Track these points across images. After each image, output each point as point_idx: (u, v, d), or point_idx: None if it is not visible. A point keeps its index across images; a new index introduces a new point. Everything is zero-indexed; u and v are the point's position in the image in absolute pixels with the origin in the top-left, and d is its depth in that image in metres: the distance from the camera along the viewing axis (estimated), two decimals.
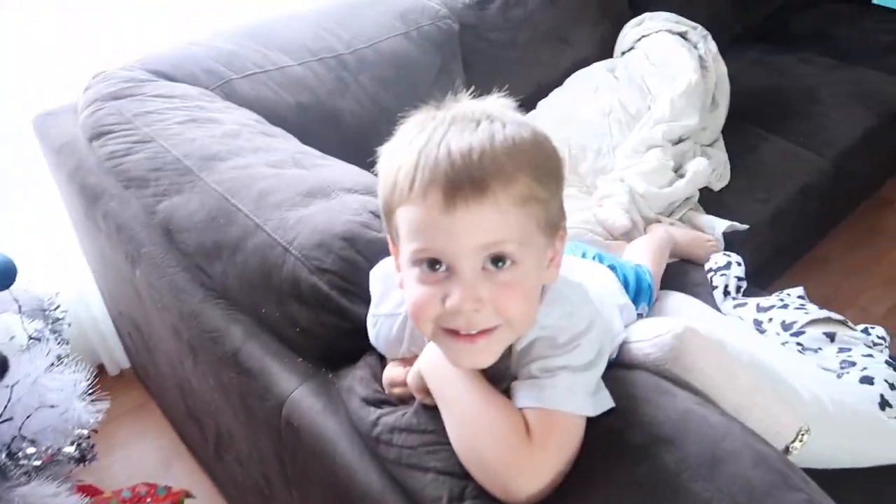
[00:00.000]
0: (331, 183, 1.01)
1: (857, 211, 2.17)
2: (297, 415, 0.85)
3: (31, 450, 1.08)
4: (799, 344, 1.13)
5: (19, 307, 1.23)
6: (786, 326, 1.16)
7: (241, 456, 1.14)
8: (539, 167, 0.63)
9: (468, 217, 0.58)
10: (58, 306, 1.41)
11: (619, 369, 0.78)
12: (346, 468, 0.78)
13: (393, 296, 0.81)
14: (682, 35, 1.71)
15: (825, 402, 0.93)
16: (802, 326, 1.15)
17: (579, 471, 0.64)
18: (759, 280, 1.42)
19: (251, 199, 0.98)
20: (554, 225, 0.66)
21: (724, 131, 1.74)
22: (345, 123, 1.47)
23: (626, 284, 1.07)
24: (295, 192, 0.98)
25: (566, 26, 1.81)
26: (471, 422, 0.67)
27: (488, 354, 0.65)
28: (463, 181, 0.58)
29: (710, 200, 1.59)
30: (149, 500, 1.42)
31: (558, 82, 1.79)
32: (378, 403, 0.78)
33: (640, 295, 1.11)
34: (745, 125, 1.78)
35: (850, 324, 1.17)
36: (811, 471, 0.70)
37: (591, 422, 0.67)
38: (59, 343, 1.34)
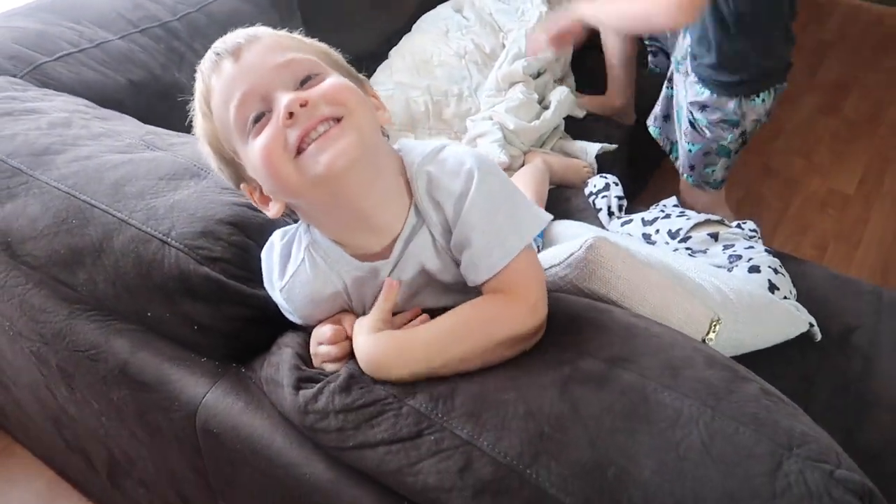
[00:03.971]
0: (195, 161, 0.89)
1: None
2: (215, 420, 0.75)
3: None
4: (688, 248, 1.18)
5: None
6: (672, 234, 1.21)
7: (145, 479, 1.01)
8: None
9: (255, 49, 0.67)
10: None
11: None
12: (287, 466, 0.71)
13: (290, 260, 0.75)
14: None
15: (726, 291, 0.98)
16: (688, 231, 1.20)
17: (550, 416, 0.61)
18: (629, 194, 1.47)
19: (105, 192, 0.85)
20: (351, 73, 0.72)
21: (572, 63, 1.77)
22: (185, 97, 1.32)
23: None
24: (157, 178, 0.87)
25: None
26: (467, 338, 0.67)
27: (348, 144, 0.64)
28: (237, 37, 0.68)
29: (574, 129, 1.61)
30: None
31: (406, 29, 1.73)
32: (301, 384, 0.70)
33: None
34: (593, 52, 1.83)
35: (726, 222, 1.24)
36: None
37: (544, 362, 0.65)
38: None
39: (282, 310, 0.77)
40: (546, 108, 1.54)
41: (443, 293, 0.73)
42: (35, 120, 0.98)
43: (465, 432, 0.61)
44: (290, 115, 0.63)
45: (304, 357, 0.75)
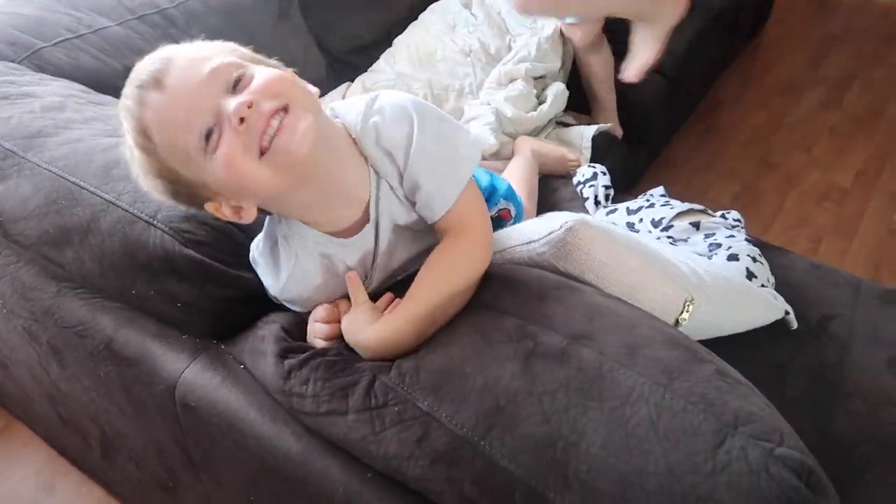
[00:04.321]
0: None
1: (696, 113, 2.33)
2: (193, 394, 0.78)
3: None
4: (669, 237, 1.20)
5: None
6: (655, 223, 1.22)
7: (134, 454, 1.04)
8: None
9: (174, 72, 0.65)
10: None
11: (519, 268, 0.78)
12: (259, 438, 0.74)
13: (281, 260, 0.78)
14: None
15: (701, 274, 0.99)
16: (670, 221, 1.21)
17: (507, 390, 0.63)
18: (624, 185, 1.49)
19: (94, 174, 0.87)
20: (260, 59, 0.72)
21: None
22: None
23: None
24: None
25: None
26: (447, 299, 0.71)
27: (306, 127, 0.66)
28: (151, 66, 0.67)
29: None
30: None
31: (408, 19, 1.74)
32: (286, 354, 0.73)
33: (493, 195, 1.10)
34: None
35: (709, 211, 1.25)
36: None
37: (508, 335, 0.67)
38: None
39: (287, 305, 0.81)
40: (542, 102, 1.55)
41: (412, 242, 0.78)
42: (29, 104, 1.01)
43: (425, 404, 0.63)
44: (241, 120, 0.64)
45: (290, 332, 0.78)
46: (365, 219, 0.76)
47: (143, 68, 0.67)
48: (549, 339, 0.66)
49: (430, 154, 0.72)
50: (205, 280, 0.81)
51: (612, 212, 1.30)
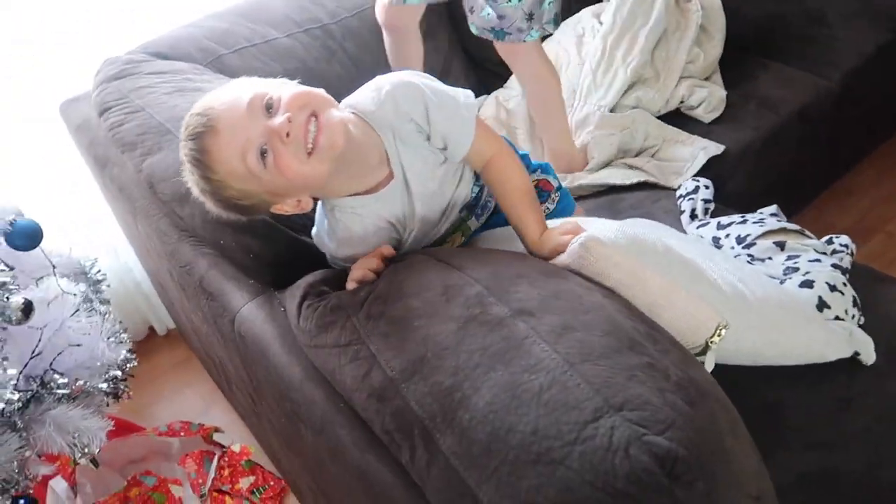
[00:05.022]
0: None
1: (891, 140, 2.08)
2: (244, 326, 0.98)
3: (62, 380, 1.26)
4: (750, 255, 1.15)
5: (53, 268, 1.42)
6: (740, 240, 1.18)
7: (236, 382, 1.28)
8: None
9: (222, 115, 0.81)
10: (98, 270, 1.61)
11: (518, 255, 0.86)
12: (277, 367, 0.90)
13: (333, 229, 0.95)
14: None
15: (750, 299, 0.95)
16: (755, 238, 1.16)
17: (438, 344, 0.71)
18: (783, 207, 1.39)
19: None
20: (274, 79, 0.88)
21: (722, 63, 1.73)
22: (331, 87, 1.57)
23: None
24: None
25: None
26: None
27: (337, 123, 0.82)
28: (197, 122, 0.83)
29: (700, 132, 1.58)
30: (182, 433, 1.61)
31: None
32: (306, 297, 0.89)
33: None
34: (744, 54, 1.76)
35: (806, 233, 1.17)
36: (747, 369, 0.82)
37: (466, 299, 0.74)
38: (101, 302, 1.54)
39: (334, 261, 0.98)
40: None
41: (432, 175, 0.96)
42: (195, 96, 1.28)
43: (374, 348, 0.74)
44: (287, 134, 0.79)
45: (323, 282, 0.93)
46: (390, 175, 0.93)
47: (193, 122, 0.83)
48: (495, 310, 0.73)
49: (444, 112, 0.90)
50: (273, 239, 1.01)
51: (704, 225, 1.27)
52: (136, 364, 1.43)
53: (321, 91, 0.86)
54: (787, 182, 1.72)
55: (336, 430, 0.81)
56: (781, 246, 1.13)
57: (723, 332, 0.88)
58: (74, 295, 1.41)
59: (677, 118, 1.62)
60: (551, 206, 1.19)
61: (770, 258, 1.13)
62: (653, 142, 1.56)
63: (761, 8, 1.88)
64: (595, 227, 0.91)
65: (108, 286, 1.64)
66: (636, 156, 1.56)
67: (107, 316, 1.45)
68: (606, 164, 1.55)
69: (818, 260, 1.09)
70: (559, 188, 1.19)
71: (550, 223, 0.95)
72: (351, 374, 0.75)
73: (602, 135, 1.55)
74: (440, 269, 0.81)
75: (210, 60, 1.48)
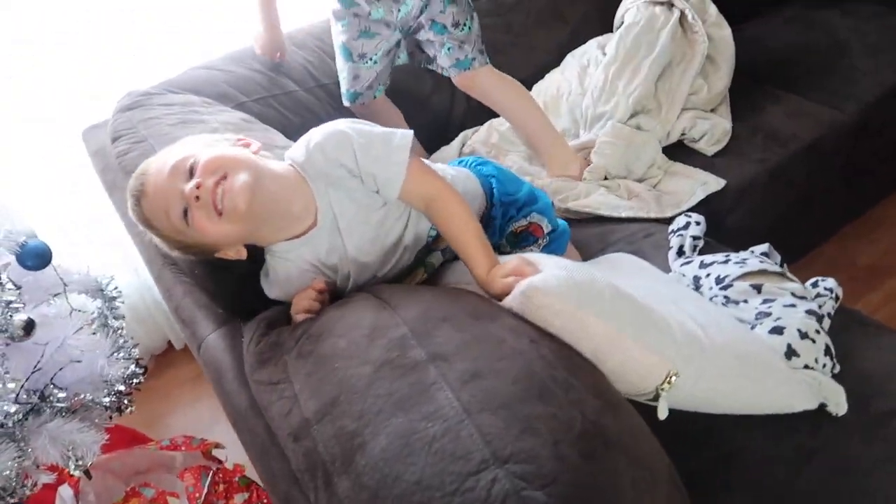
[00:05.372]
0: None
1: None
2: (208, 353, 1.02)
3: (61, 395, 1.34)
4: (726, 297, 1.12)
5: (65, 286, 1.51)
6: (718, 281, 1.15)
7: None
8: None
9: (149, 181, 0.91)
10: (115, 287, 1.70)
11: (455, 292, 0.87)
12: (228, 393, 0.95)
13: (269, 272, 1.01)
14: (668, 2, 1.67)
15: (705, 345, 0.93)
16: (733, 280, 1.13)
17: (352, 388, 0.73)
18: (789, 245, 1.35)
19: None
20: (213, 141, 0.96)
21: (732, 93, 1.69)
22: None
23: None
24: None
25: (562, 3, 1.84)
26: None
27: (244, 186, 0.87)
28: (135, 185, 0.93)
29: (703, 164, 1.55)
30: (182, 447, 1.67)
31: (559, 62, 1.82)
32: (257, 330, 0.93)
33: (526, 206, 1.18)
34: (757, 85, 1.71)
35: (788, 275, 1.13)
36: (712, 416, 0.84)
37: (389, 341, 0.76)
38: (115, 318, 1.62)
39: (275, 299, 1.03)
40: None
41: (366, 220, 0.98)
42: (197, 127, 1.34)
43: (296, 387, 0.77)
44: (196, 197, 0.87)
45: (276, 318, 0.97)
46: (315, 222, 0.97)
47: (131, 184, 0.94)
48: (413, 354, 0.74)
49: (371, 154, 0.93)
50: (242, 274, 1.05)
51: (687, 263, 1.24)
52: (142, 379, 1.50)
53: (239, 153, 0.92)
54: (799, 215, 1.66)
55: (270, 462, 0.83)
56: (758, 289, 1.10)
57: (673, 379, 0.87)
58: (85, 312, 1.50)
59: (679, 150, 1.59)
60: (536, 250, 1.18)
61: (745, 301, 1.10)
62: (656, 172, 1.54)
63: (784, 38, 1.84)
64: (543, 271, 0.90)
65: (123, 303, 1.73)
66: (637, 180, 1.54)
67: (119, 332, 1.54)
68: (605, 178, 1.54)
69: (793, 305, 1.05)
70: (552, 231, 1.18)
71: (502, 258, 0.95)
72: (277, 411, 0.78)
73: (606, 142, 1.54)
74: (374, 308, 0.82)
75: (231, 106, 1.52)
